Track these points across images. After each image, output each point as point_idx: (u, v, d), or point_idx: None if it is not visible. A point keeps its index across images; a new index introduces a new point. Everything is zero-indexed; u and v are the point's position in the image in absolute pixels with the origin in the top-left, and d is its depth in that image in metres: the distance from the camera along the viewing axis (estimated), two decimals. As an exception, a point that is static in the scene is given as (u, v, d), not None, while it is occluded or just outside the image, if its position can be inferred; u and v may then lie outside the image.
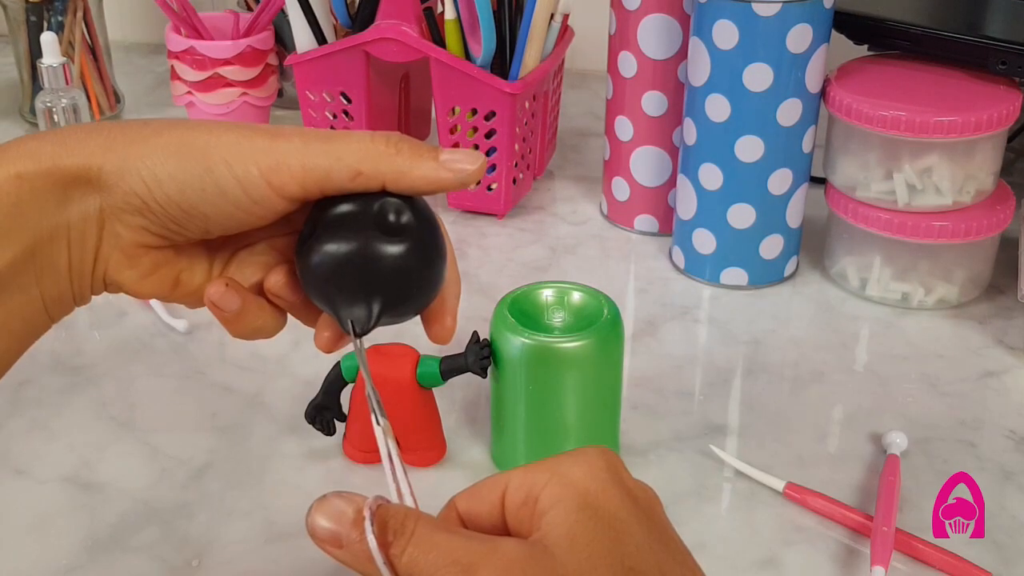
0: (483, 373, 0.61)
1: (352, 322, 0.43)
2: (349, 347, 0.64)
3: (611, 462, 0.40)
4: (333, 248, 0.42)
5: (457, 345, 0.63)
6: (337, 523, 0.38)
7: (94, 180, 0.42)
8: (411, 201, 0.43)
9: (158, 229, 0.43)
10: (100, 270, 0.44)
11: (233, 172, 0.41)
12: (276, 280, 0.46)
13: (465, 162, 0.43)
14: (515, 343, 0.59)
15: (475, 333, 0.62)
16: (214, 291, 0.44)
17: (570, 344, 0.59)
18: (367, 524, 0.37)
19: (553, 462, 0.40)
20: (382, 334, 0.77)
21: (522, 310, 0.62)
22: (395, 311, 0.43)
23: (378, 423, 0.41)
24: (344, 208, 0.42)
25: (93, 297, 0.44)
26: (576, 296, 0.63)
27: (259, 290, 0.46)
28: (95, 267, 0.44)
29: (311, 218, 0.43)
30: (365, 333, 0.43)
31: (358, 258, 0.42)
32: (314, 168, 0.41)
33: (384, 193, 0.43)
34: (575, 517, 0.38)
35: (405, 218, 0.42)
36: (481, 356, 0.61)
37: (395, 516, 0.38)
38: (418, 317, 0.46)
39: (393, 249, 0.42)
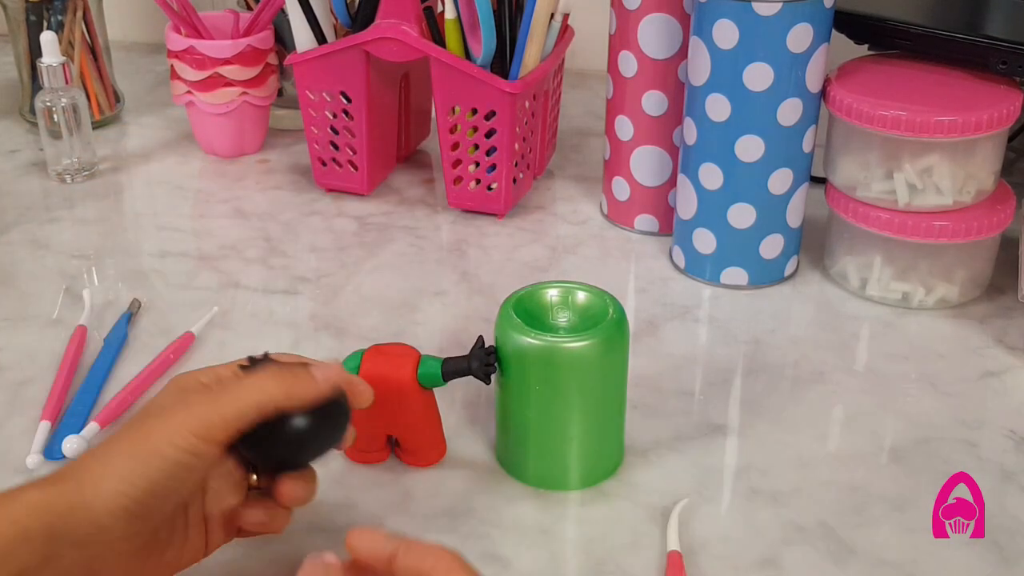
0: (487, 380, 0.61)
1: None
2: (351, 348, 0.64)
3: None
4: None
5: (460, 347, 0.63)
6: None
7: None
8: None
9: (141, 524, 0.49)
10: None
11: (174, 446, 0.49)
12: (287, 487, 0.54)
13: None
14: (521, 343, 0.59)
15: (480, 338, 0.61)
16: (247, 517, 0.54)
17: (576, 344, 0.59)
18: None
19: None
20: (382, 333, 0.77)
21: (527, 310, 0.61)
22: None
23: None
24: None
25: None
26: (581, 296, 0.63)
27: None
28: None
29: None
30: None
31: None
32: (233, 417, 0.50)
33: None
34: None
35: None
36: (486, 363, 0.60)
37: None
38: None
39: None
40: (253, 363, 0.54)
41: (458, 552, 0.47)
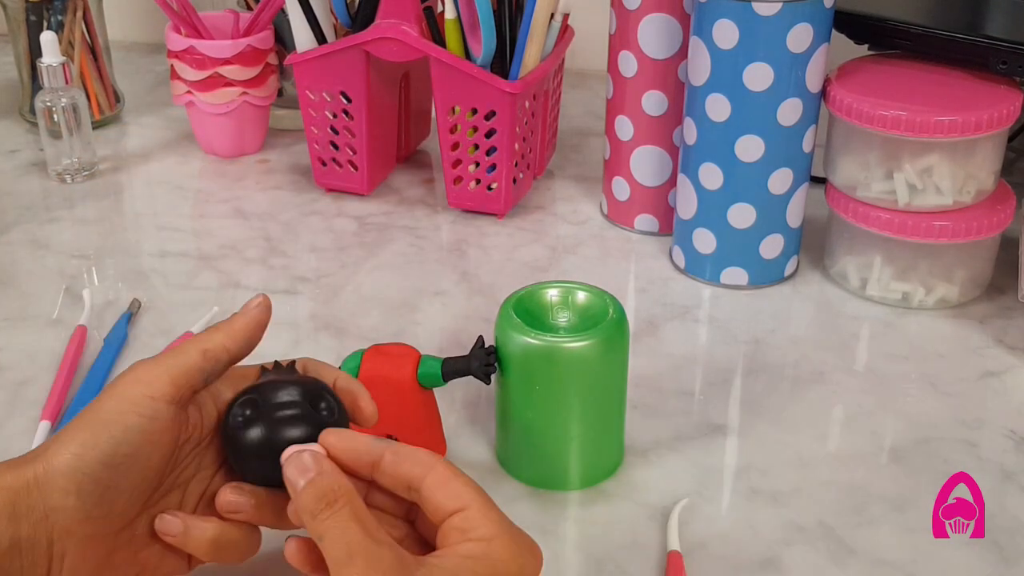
0: (487, 380, 0.61)
1: None
2: (351, 348, 0.64)
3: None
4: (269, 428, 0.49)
5: (460, 347, 0.63)
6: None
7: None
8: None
9: (100, 503, 0.47)
10: None
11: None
12: (224, 493, 0.50)
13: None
14: (521, 343, 0.59)
15: (480, 338, 0.61)
16: (156, 521, 0.50)
17: (576, 344, 0.59)
18: None
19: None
20: (382, 333, 0.77)
21: (527, 310, 0.61)
22: None
23: None
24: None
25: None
26: (581, 296, 0.63)
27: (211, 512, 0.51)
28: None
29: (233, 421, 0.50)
30: None
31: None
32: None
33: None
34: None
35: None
36: (486, 363, 0.60)
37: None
38: None
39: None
40: (277, 368, 0.53)
41: (450, 461, 0.47)
